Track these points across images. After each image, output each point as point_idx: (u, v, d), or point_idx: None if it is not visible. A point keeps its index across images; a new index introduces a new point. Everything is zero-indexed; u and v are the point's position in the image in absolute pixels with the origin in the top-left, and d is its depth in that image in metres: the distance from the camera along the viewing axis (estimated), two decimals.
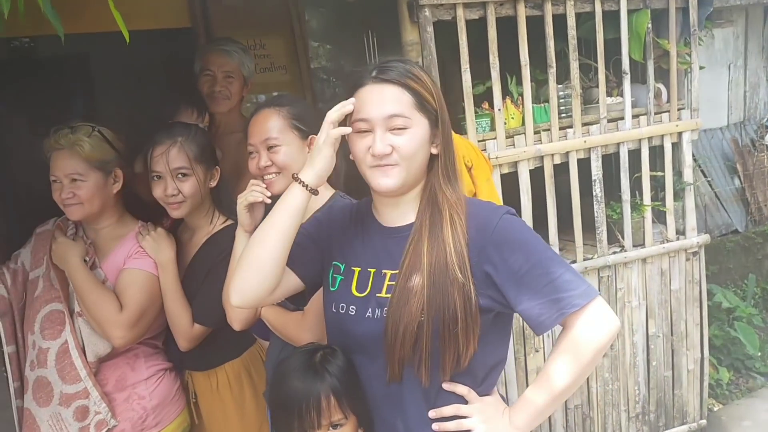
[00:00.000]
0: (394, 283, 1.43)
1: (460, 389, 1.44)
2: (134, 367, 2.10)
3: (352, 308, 1.49)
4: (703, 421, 3.46)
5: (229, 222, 2.18)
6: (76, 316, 2.02)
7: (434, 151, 1.47)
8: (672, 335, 3.29)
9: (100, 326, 1.99)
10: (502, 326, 1.49)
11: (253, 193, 1.79)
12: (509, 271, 1.38)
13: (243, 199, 1.80)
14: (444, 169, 1.47)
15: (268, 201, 1.44)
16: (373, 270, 1.49)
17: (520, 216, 2.84)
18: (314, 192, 1.47)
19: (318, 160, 1.45)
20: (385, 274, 1.47)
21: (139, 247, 2.09)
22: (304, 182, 1.46)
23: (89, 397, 2.00)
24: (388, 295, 1.43)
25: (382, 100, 1.42)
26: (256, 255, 1.47)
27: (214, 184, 2.18)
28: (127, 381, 2.08)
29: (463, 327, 1.38)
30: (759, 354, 4.26)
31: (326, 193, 1.98)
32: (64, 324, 2.02)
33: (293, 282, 1.59)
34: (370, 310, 1.46)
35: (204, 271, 2.13)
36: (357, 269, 1.52)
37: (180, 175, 2.08)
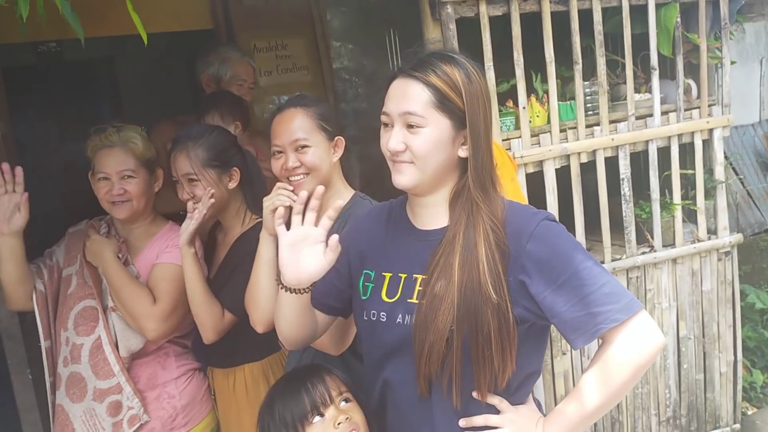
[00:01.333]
0: (423, 288, 1.39)
1: (492, 399, 1.39)
2: (165, 365, 2.13)
3: (383, 315, 1.45)
4: (737, 426, 3.37)
5: (260, 220, 2.13)
6: (110, 311, 2.05)
7: (462, 153, 1.39)
8: (704, 337, 3.20)
9: (134, 319, 2.01)
10: (537, 336, 1.42)
11: (280, 197, 1.79)
12: (544, 282, 1.32)
13: (270, 203, 1.81)
14: (475, 174, 1.38)
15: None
16: (404, 275, 1.45)
17: None
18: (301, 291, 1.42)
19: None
20: (416, 279, 1.42)
21: (171, 243, 2.11)
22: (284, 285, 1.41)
23: (122, 392, 2.03)
24: (419, 302, 1.39)
25: (401, 95, 1.38)
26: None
27: (233, 185, 2.15)
28: (158, 379, 2.11)
29: (499, 349, 1.32)
30: None
31: (347, 194, 1.96)
32: (98, 320, 2.04)
33: (330, 320, 1.62)
34: (400, 316, 1.42)
35: (232, 267, 2.12)
36: (388, 275, 1.48)
37: (190, 180, 2.09)
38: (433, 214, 1.44)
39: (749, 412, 3.79)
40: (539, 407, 1.49)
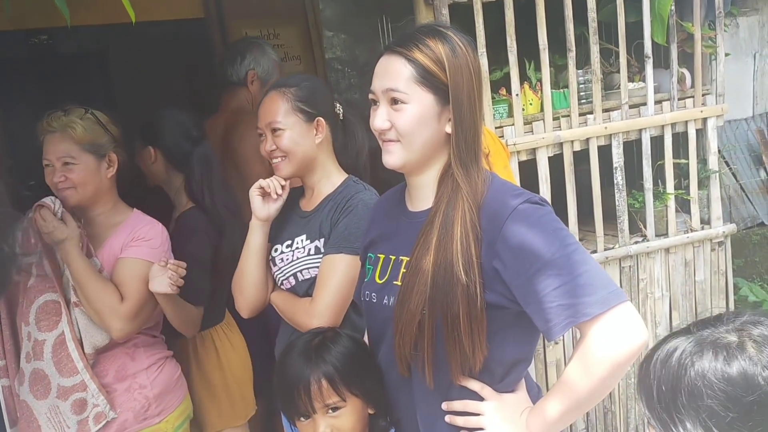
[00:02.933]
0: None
1: (473, 385, 1.35)
2: (134, 357, 2.06)
3: (374, 296, 1.46)
4: None
5: (191, 205, 2.35)
6: (73, 306, 1.97)
7: (449, 130, 1.35)
8: None
9: (100, 318, 1.94)
10: (524, 323, 1.35)
11: (270, 185, 1.85)
12: (518, 270, 1.25)
13: (258, 184, 1.84)
14: (456, 151, 1.34)
15: (280, 197, 1.77)
16: (393, 257, 1.44)
17: None
18: None
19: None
20: (402, 261, 1.40)
21: (136, 235, 2.04)
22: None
23: (87, 390, 1.95)
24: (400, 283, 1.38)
25: (383, 72, 1.36)
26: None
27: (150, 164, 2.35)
28: (127, 371, 2.04)
29: (467, 331, 1.28)
30: None
31: (339, 177, 1.93)
32: (60, 315, 1.96)
33: None
34: (386, 297, 1.42)
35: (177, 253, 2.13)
36: (382, 256, 1.48)
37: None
38: (423, 195, 1.42)
39: None
40: (539, 394, 1.46)
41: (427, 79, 1.32)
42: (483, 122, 1.41)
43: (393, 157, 1.37)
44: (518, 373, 1.42)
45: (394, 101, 1.34)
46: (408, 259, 1.37)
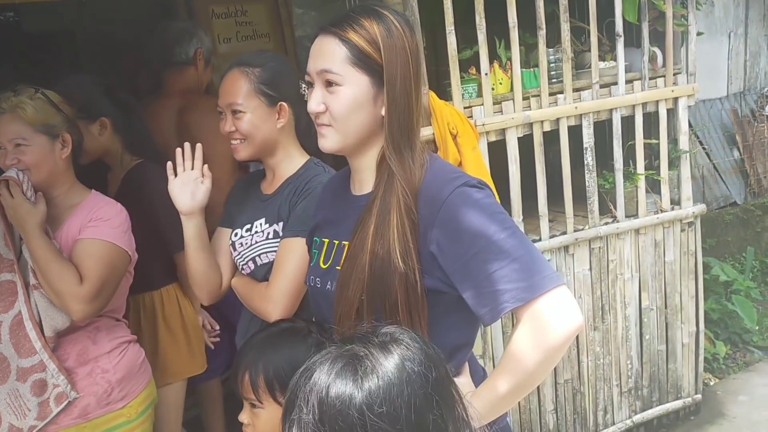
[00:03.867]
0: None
1: None
2: (96, 340, 2.03)
3: (318, 281, 1.42)
4: (698, 396, 3.39)
5: (138, 161, 2.43)
6: (32, 288, 1.93)
7: (384, 113, 1.31)
8: (666, 308, 3.20)
9: (60, 299, 1.90)
10: (466, 308, 1.32)
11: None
12: (453, 255, 1.24)
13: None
14: (389, 135, 1.30)
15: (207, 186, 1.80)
16: (337, 242, 1.41)
17: (508, 186, 2.77)
18: None
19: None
20: (344, 246, 1.37)
21: (95, 216, 2.00)
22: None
23: (46, 370, 1.92)
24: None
25: (317, 53, 1.31)
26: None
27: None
28: (89, 355, 2.01)
29: (407, 318, 1.25)
30: (757, 328, 4.18)
31: (300, 159, 1.89)
32: (17, 294, 1.93)
33: None
34: (329, 282, 1.39)
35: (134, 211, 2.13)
36: (326, 241, 1.44)
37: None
38: (365, 178, 1.39)
39: (712, 383, 3.82)
40: (484, 376, 1.44)
41: (362, 60, 1.28)
42: (420, 105, 1.35)
43: (326, 141, 1.34)
44: (461, 357, 1.40)
45: (329, 83, 1.29)
46: (348, 243, 1.34)
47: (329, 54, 1.29)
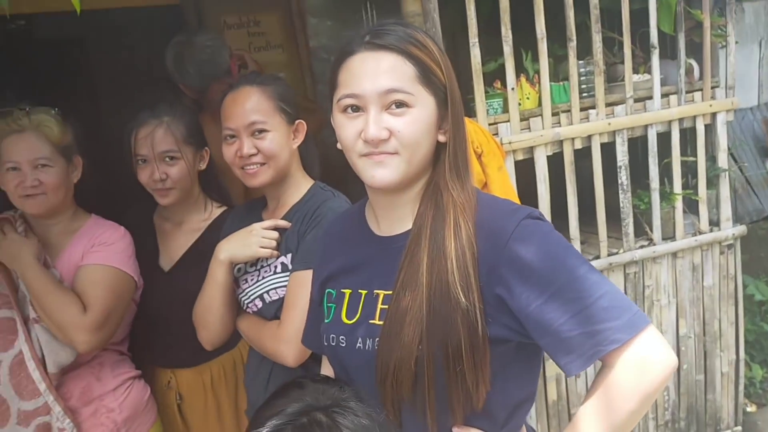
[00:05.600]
0: (387, 306, 1.17)
1: None
2: (100, 376, 1.93)
3: (342, 339, 1.24)
4: (738, 428, 3.21)
5: (224, 207, 2.11)
6: (32, 323, 1.83)
7: (442, 138, 1.18)
8: (705, 336, 3.02)
9: (62, 331, 1.80)
10: (528, 357, 1.19)
11: (264, 241, 1.69)
12: (528, 295, 1.09)
13: (254, 251, 1.69)
14: (453, 161, 1.18)
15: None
16: (364, 292, 1.23)
17: (537, 208, 2.59)
18: None
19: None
20: (378, 295, 1.20)
21: (97, 240, 1.91)
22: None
23: (51, 413, 1.83)
24: (382, 322, 1.16)
25: (376, 71, 1.13)
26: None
27: (203, 166, 2.05)
28: (93, 393, 1.91)
29: (470, 364, 1.10)
30: None
31: (305, 184, 1.74)
32: (17, 333, 1.82)
33: None
34: (360, 340, 1.21)
35: (203, 257, 1.89)
36: (348, 291, 1.26)
37: (168, 159, 1.94)
38: (399, 215, 1.23)
39: (748, 409, 3.64)
40: None
41: (430, 79, 1.15)
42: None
43: (389, 173, 1.15)
44: (521, 415, 1.24)
45: (398, 105, 1.13)
46: (386, 292, 1.18)
47: (395, 71, 1.13)
